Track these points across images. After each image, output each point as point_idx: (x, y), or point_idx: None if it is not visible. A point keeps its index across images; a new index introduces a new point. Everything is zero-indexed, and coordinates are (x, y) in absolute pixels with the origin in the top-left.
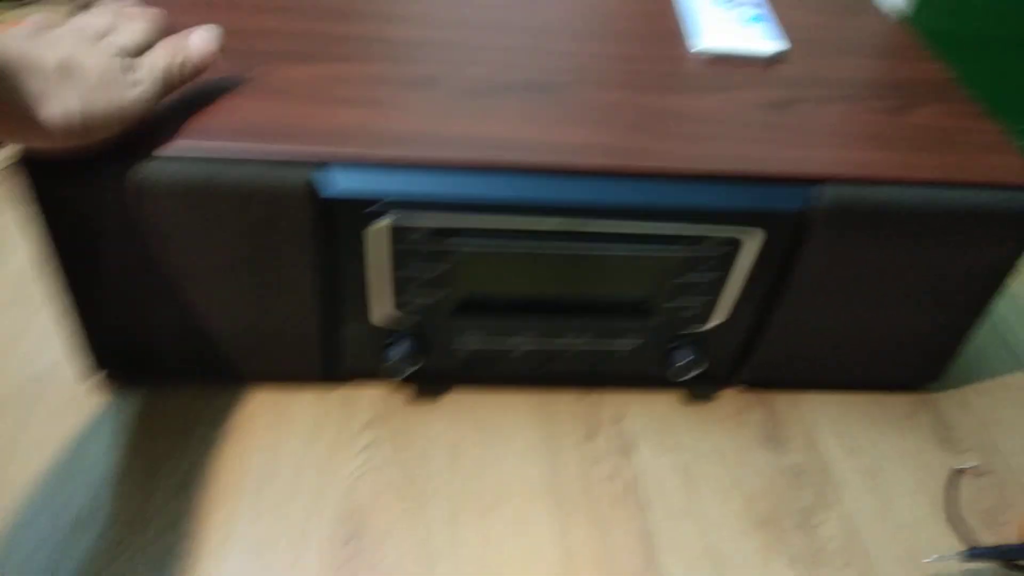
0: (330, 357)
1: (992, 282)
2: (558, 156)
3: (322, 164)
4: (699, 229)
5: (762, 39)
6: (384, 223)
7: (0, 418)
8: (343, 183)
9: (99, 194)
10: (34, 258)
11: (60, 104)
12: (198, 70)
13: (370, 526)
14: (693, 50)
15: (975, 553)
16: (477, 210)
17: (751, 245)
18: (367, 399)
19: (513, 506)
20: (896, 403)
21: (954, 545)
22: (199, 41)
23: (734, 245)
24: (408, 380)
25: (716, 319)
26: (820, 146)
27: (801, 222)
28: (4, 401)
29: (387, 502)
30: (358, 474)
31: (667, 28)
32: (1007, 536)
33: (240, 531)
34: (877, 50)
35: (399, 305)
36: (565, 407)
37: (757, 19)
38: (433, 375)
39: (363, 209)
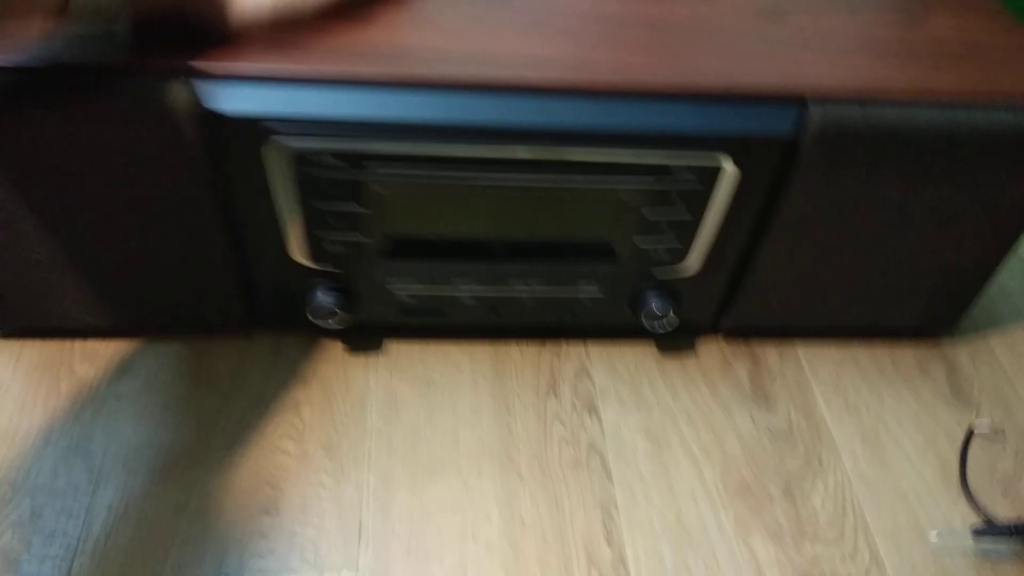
0: (250, 304)
1: (1021, 217)
2: (506, 70)
3: (206, 77)
4: (668, 157)
5: None
6: (281, 146)
7: None
8: (230, 98)
9: None
10: None
11: None
12: None
13: (288, 497)
14: None
15: (990, 531)
16: (392, 134)
17: (730, 176)
18: (293, 351)
19: (454, 473)
20: (904, 354)
21: (966, 518)
22: None
23: (710, 176)
24: (339, 331)
25: (692, 261)
26: (816, 60)
27: (790, 149)
28: None
29: (309, 469)
30: (279, 435)
31: None
32: None
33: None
34: None
35: (314, 244)
36: (522, 360)
37: None
38: (367, 325)
39: (254, 128)
